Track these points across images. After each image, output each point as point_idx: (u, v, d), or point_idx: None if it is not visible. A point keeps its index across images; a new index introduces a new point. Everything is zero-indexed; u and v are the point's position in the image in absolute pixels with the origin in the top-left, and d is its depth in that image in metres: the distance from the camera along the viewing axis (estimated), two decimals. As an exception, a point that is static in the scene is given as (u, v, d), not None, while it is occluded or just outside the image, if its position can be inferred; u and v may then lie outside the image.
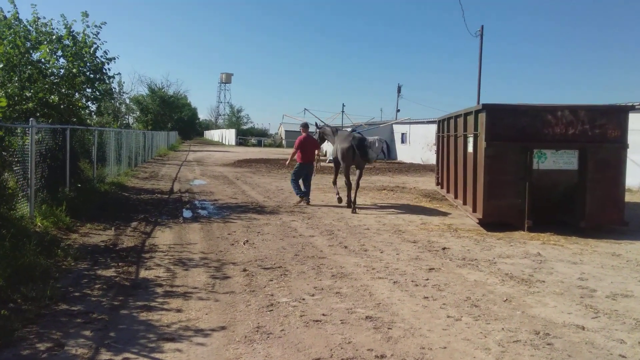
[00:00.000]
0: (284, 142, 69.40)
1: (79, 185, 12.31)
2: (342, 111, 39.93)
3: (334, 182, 14.42)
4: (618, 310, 5.61)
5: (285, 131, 70.63)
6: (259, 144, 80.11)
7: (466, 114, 11.55)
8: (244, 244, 8.60)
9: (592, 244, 9.07)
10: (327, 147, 42.76)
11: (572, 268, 7.42)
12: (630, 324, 5.20)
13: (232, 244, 8.58)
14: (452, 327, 5.05)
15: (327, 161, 35.30)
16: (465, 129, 11.61)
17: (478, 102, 29.68)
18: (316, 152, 14.02)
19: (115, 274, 6.61)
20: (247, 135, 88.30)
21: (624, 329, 5.09)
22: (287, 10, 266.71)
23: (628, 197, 11.59)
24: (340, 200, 13.63)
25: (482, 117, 10.17)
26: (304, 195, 13.64)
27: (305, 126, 14.23)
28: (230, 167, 28.58)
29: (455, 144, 12.74)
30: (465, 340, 4.75)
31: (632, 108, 10.70)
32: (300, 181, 13.88)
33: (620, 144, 9.83)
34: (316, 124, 15.54)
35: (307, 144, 13.68)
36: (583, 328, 5.08)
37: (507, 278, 6.84)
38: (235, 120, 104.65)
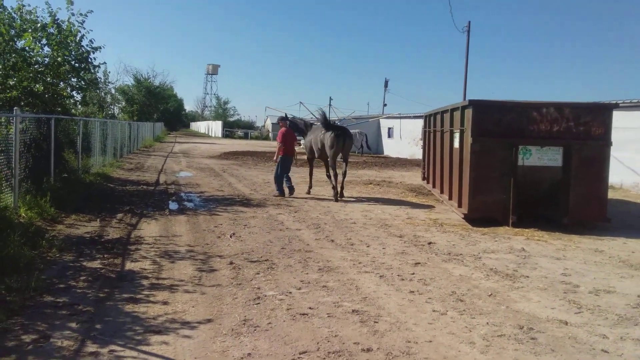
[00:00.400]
0: (270, 134, 69.24)
1: (64, 175, 12.18)
2: (330, 104, 39.89)
3: (329, 176, 14.24)
4: (601, 306, 5.71)
5: (272, 124, 70.45)
6: (245, 137, 79.83)
7: (453, 110, 11.61)
8: (231, 236, 8.58)
9: (576, 240, 9.19)
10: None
11: (556, 264, 7.52)
12: (613, 320, 5.29)
13: (219, 237, 8.57)
14: (438, 321, 5.11)
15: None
16: (451, 125, 11.67)
17: (464, 98, 29.91)
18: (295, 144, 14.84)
19: (100, 266, 6.57)
20: (233, 128, 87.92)
21: (606, 324, 5.18)
22: (276, 1, 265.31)
23: (611, 194, 11.73)
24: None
25: (469, 112, 10.23)
26: (290, 188, 13.86)
27: (283, 119, 14.67)
28: (216, 159, 28.45)
29: (442, 139, 12.82)
30: (450, 334, 4.80)
31: (616, 106, 10.83)
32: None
33: (604, 142, 9.96)
34: (285, 115, 15.84)
35: (289, 137, 14.04)
36: (566, 323, 5.15)
37: (491, 273, 6.92)
38: (221, 112, 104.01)
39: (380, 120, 44.22)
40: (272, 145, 38.46)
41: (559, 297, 6.00)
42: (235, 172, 20.84)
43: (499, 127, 10.07)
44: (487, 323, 5.10)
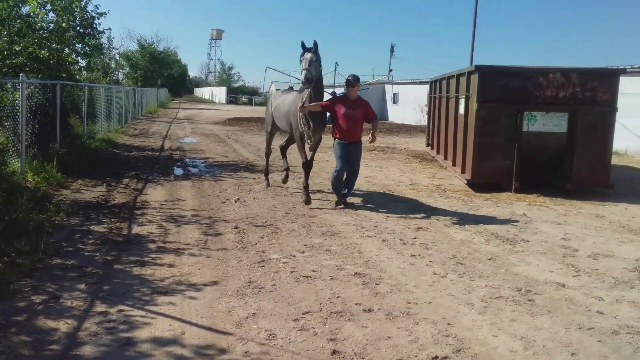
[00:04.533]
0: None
1: (69, 141, 12.26)
2: (335, 70, 39.44)
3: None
4: (598, 269, 5.80)
5: (277, 90, 70.04)
6: (250, 102, 79.38)
7: (459, 75, 11.54)
8: (235, 202, 8.69)
9: (577, 205, 9.25)
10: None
11: (556, 228, 7.60)
12: (610, 282, 5.39)
13: (224, 202, 8.67)
14: (438, 284, 5.22)
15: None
16: (457, 91, 11.62)
17: (471, 61, 29.55)
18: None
19: (107, 230, 6.69)
20: (238, 94, 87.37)
21: (603, 287, 5.28)
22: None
23: (615, 160, 11.74)
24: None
25: (475, 78, 10.18)
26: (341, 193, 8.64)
27: (354, 79, 8.51)
28: (220, 125, 28.46)
29: (447, 105, 12.77)
30: (449, 295, 4.92)
31: (624, 71, 10.77)
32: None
33: (610, 108, 9.92)
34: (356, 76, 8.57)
35: (343, 107, 8.44)
36: (564, 286, 5.26)
37: (492, 237, 7.01)
38: (226, 78, 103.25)
39: (386, 86, 43.87)
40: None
41: (558, 260, 6.10)
42: (239, 138, 20.88)
43: (504, 92, 10.02)
44: (486, 285, 5.21)
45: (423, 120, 36.02)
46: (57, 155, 10.32)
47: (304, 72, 8.22)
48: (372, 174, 12.39)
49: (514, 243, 6.77)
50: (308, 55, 8.31)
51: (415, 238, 6.85)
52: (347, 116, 8.41)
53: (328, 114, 8.79)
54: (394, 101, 42.00)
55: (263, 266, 5.53)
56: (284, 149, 10.58)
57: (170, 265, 5.43)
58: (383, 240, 6.69)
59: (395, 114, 40.47)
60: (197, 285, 4.90)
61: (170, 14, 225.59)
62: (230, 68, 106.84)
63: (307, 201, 8.63)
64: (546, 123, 9.95)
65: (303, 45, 8.50)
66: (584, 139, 9.87)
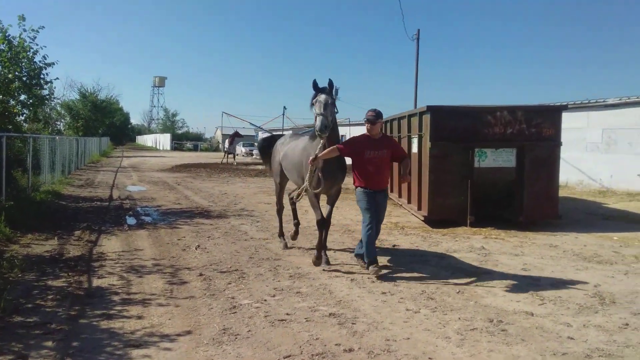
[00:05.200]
0: (220, 146, 68.69)
1: (15, 194, 11.76)
2: (283, 114, 39.94)
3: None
4: (562, 297, 6.01)
5: (223, 135, 69.95)
6: (195, 149, 78.92)
7: (410, 116, 11.93)
8: (196, 248, 8.52)
9: (531, 236, 9.60)
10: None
11: (515, 260, 7.85)
12: (574, 309, 5.59)
13: (184, 250, 8.49)
14: (412, 319, 5.26)
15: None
16: (409, 130, 11.99)
17: (415, 104, 30.63)
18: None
19: (66, 284, 6.40)
20: (182, 140, 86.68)
21: (568, 313, 5.47)
22: (222, 9, 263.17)
23: (561, 192, 12.32)
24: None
25: (427, 118, 10.56)
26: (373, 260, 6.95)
27: (377, 114, 7.10)
28: (168, 172, 28.01)
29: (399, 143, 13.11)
30: (426, 330, 4.96)
31: (565, 107, 11.43)
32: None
33: (555, 142, 10.49)
34: (378, 113, 7.26)
35: (364, 150, 7.06)
36: (532, 314, 5.41)
37: (456, 271, 7.16)
38: (170, 125, 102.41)
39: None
40: (219, 157, 38.21)
41: (522, 290, 6.29)
42: (190, 184, 20.59)
43: (456, 131, 10.42)
44: (459, 318, 5.29)
45: (370, 161, 36.65)
46: (4, 209, 9.86)
47: (318, 118, 6.72)
48: (329, 215, 12.44)
49: (477, 275, 6.94)
50: (322, 97, 6.90)
51: (382, 276, 6.91)
52: (371, 159, 7.00)
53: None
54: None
55: (235, 312, 5.42)
56: (294, 203, 9.06)
57: (139, 317, 5.24)
58: (352, 280, 6.71)
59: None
60: (170, 336, 4.74)
61: (110, 62, 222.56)
62: (174, 115, 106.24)
63: (321, 262, 7.35)
64: (496, 159, 10.38)
65: (315, 85, 7.04)
66: (531, 173, 10.34)
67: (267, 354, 4.36)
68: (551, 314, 5.44)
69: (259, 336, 4.76)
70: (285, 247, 8.68)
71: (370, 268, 6.86)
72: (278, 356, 4.33)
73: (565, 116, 11.10)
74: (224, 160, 36.68)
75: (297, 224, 8.87)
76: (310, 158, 6.94)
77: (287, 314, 5.36)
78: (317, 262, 7.34)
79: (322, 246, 7.44)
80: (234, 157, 38.52)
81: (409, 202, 12.14)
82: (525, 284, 6.58)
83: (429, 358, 4.33)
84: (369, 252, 6.93)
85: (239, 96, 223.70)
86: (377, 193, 7.07)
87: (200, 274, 6.91)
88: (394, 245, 8.86)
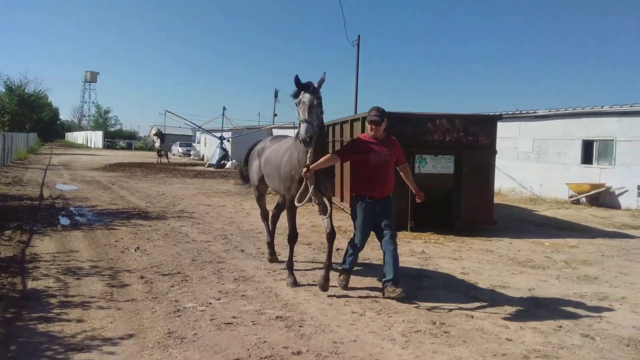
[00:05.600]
0: (156, 145, 67.02)
1: None
2: (223, 115, 39.43)
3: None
4: (499, 300, 6.27)
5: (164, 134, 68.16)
6: (129, 147, 76.62)
7: (353, 121, 12.09)
8: (135, 250, 8.28)
9: (468, 241, 9.95)
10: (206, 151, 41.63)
11: (454, 264, 8.11)
12: (511, 311, 5.85)
13: (122, 252, 8.22)
14: (358, 322, 5.33)
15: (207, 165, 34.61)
16: (352, 135, 12.13)
17: (355, 110, 31.00)
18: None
19: (-2, 286, 6.07)
20: (115, 138, 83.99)
21: (505, 315, 5.71)
22: (161, 6, 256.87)
23: (495, 199, 12.83)
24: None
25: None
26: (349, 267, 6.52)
27: (380, 113, 6.34)
28: (101, 171, 27.05)
29: (341, 149, 13.24)
30: (372, 332, 5.04)
31: (500, 117, 11.92)
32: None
33: (490, 150, 10.92)
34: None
35: (364, 152, 6.28)
36: (472, 317, 5.61)
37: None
38: (102, 122, 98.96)
39: (273, 130, 44.49)
40: (155, 156, 37.30)
41: (462, 293, 6.51)
42: (125, 184, 19.97)
43: (397, 137, 10.50)
44: (403, 321, 5.41)
45: (310, 165, 36.84)
46: None
47: (303, 125, 5.62)
48: (271, 218, 12.40)
49: (419, 279, 7.12)
50: (307, 97, 5.78)
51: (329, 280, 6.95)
52: (377, 164, 6.18)
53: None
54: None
55: (180, 316, 5.31)
56: (274, 216, 8.11)
57: (79, 320, 5.03)
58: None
59: (282, 159, 41.01)
60: (113, 340, 4.58)
61: (39, 54, 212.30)
62: (107, 111, 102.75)
63: (324, 287, 6.21)
64: (435, 165, 10.70)
65: (298, 81, 5.85)
66: (469, 180, 10.72)
67: (214, 357, 4.30)
68: (490, 317, 5.65)
69: (205, 340, 4.69)
70: (273, 259, 7.78)
71: (341, 277, 6.48)
72: (226, 359, 4.27)
73: (499, 126, 11.57)
74: (162, 160, 35.87)
75: (270, 242, 7.92)
76: (303, 171, 5.88)
77: (234, 317, 5.30)
78: (289, 280, 6.55)
79: (330, 263, 6.26)
80: (166, 156, 37.78)
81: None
82: (464, 287, 6.81)
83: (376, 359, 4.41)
84: (350, 261, 6.42)
85: (177, 95, 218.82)
86: (379, 203, 6.24)
87: (141, 277, 6.73)
88: (337, 249, 8.92)
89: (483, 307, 5.99)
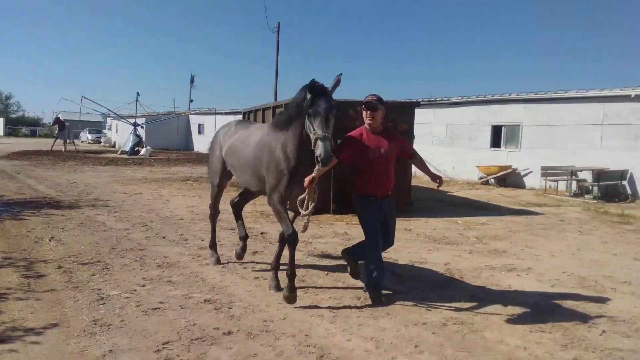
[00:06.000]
0: (55, 132, 63.64)
1: None
2: (137, 100, 38.03)
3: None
4: (417, 274, 6.62)
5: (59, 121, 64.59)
6: (32, 134, 72.26)
7: (275, 107, 12.12)
8: (50, 240, 7.92)
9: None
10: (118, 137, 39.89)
11: (376, 243, 8.40)
12: (431, 284, 6.20)
13: (36, 242, 7.85)
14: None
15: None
16: (273, 120, 12.16)
17: (275, 96, 30.96)
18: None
19: None
20: (17, 125, 78.84)
21: (426, 289, 6.04)
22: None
23: (412, 182, 13.37)
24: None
25: (292, 108, 10.79)
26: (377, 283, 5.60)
27: (377, 101, 5.84)
28: (5, 159, 25.35)
29: (263, 134, 13.23)
30: (300, 309, 5.18)
31: (418, 104, 12.40)
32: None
33: (409, 136, 11.33)
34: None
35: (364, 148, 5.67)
36: (395, 291, 5.88)
37: (322, 256, 7.52)
38: (3, 109, 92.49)
39: (190, 116, 43.58)
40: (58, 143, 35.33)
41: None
42: (32, 173, 18.89)
43: (319, 122, 10.76)
44: (330, 298, 5.59)
45: (229, 151, 36.49)
46: None
47: (322, 144, 4.64)
48: (193, 204, 12.25)
49: (341, 259, 7.32)
50: (324, 106, 4.80)
51: (253, 262, 7.02)
52: (377, 161, 5.58)
53: None
54: (200, 131, 41.94)
55: (104, 303, 5.18)
56: (237, 207, 7.16)
57: (-4, 312, 4.80)
58: (223, 267, 6.73)
59: (201, 144, 40.38)
60: (35, 330, 4.42)
61: None
62: (8, 97, 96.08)
63: (290, 298, 5.27)
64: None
65: (313, 86, 4.89)
66: (388, 163, 11.06)
67: (144, 342, 4.26)
68: (410, 291, 5.95)
69: (133, 325, 4.62)
70: (218, 262, 6.84)
71: (374, 293, 5.53)
72: (156, 343, 4.25)
73: (416, 112, 12.03)
74: (67, 148, 33.98)
75: (244, 237, 6.94)
76: (307, 181, 5.16)
77: (161, 303, 5.25)
78: (291, 296, 5.30)
79: (294, 272, 5.43)
80: (73, 143, 36.02)
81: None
82: (386, 264, 7.07)
83: (305, 335, 4.54)
84: (369, 282, 5.58)
85: (86, 81, 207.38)
86: (384, 201, 5.71)
87: (59, 267, 6.47)
88: (262, 233, 9.00)
89: (404, 281, 6.29)
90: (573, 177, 17.04)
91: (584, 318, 5.17)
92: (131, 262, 6.85)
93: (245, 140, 6.12)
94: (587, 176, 16.90)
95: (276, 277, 5.87)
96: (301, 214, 5.45)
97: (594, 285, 6.41)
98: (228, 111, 38.72)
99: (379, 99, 5.70)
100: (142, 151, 32.38)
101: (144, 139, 35.38)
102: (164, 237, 8.46)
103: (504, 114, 19.82)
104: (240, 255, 6.88)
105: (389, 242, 5.81)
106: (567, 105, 18.19)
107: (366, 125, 5.70)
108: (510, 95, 19.72)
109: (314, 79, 4.91)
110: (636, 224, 11.46)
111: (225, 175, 6.78)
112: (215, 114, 39.36)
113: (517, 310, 5.38)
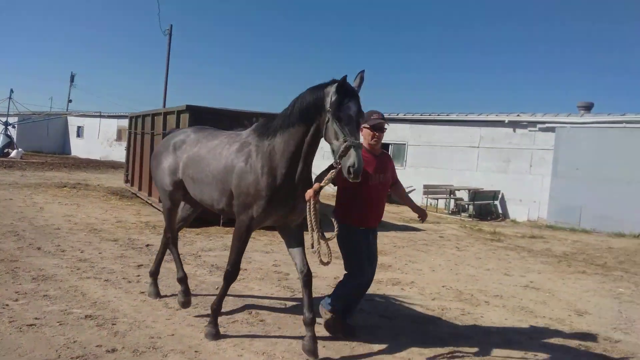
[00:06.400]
0: None
1: None
2: (10, 97, 35.05)
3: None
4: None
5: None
6: None
7: (166, 113, 11.77)
8: None
9: (278, 236, 10.31)
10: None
11: (267, 257, 8.44)
12: (320, 298, 6.30)
13: None
14: (175, 317, 5.29)
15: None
16: (164, 128, 11.79)
17: (164, 102, 30.01)
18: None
19: None
20: None
21: (316, 302, 6.12)
22: None
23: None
24: None
25: (185, 117, 10.57)
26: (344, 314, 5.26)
27: (384, 120, 5.07)
28: None
29: (152, 141, 12.79)
30: (189, 326, 5.06)
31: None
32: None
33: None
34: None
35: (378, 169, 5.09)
36: (285, 305, 5.94)
37: (214, 269, 7.39)
38: None
39: (69, 118, 40.92)
40: None
41: (275, 284, 6.83)
42: None
43: (213, 132, 10.64)
44: (220, 312, 5.49)
45: (113, 156, 34.80)
46: None
47: (354, 153, 3.89)
48: (70, 213, 11.48)
49: (233, 272, 7.26)
50: (355, 109, 4.04)
51: (139, 275, 6.76)
52: (375, 187, 5.01)
53: None
54: (79, 134, 39.52)
55: (-30, 320, 4.71)
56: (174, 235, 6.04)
57: None
58: (106, 281, 6.38)
59: (80, 148, 38.14)
60: None
61: None
62: None
63: (315, 353, 4.55)
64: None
65: (342, 86, 4.03)
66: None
67: (18, 362, 3.93)
68: (300, 305, 6.02)
69: (6, 343, 4.25)
70: (157, 295, 5.86)
71: (328, 315, 5.12)
72: (31, 363, 3.94)
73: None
74: None
75: (183, 279, 5.60)
76: (311, 193, 4.44)
77: (36, 319, 4.87)
78: (213, 331, 4.78)
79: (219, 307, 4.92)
80: None
81: (160, 201, 11.94)
82: (277, 278, 7.14)
83: (195, 351, 4.44)
84: (345, 304, 5.19)
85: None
86: (373, 231, 5.20)
87: None
88: (147, 245, 8.67)
89: (294, 295, 6.37)
90: (451, 195, 18.24)
91: (462, 329, 5.55)
92: (2, 274, 6.28)
93: (212, 150, 5.17)
94: (465, 195, 18.17)
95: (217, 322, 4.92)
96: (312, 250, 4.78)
97: (470, 299, 6.90)
98: (112, 115, 36.88)
99: (383, 118, 5.02)
100: (13, 153, 29.84)
101: (15, 140, 32.63)
102: (39, 248, 7.84)
103: (392, 133, 20.78)
104: (184, 303, 5.52)
105: (372, 272, 5.22)
106: (448, 127, 19.52)
107: (366, 146, 4.94)
108: (397, 114, 20.76)
109: (345, 76, 4.01)
110: (506, 241, 12.52)
111: (178, 191, 5.58)
112: (100, 116, 37.30)
113: (401, 322, 5.65)
